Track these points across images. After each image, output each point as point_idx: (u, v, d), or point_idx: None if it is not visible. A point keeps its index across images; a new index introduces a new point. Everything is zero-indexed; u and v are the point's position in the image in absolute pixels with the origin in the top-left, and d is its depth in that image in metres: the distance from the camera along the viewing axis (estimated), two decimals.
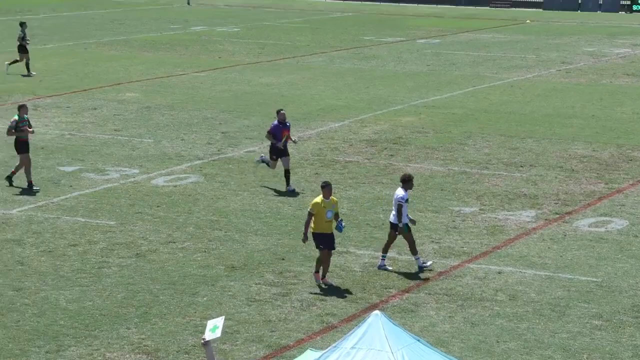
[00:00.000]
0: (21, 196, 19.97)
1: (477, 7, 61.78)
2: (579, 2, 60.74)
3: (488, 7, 61.98)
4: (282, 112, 21.02)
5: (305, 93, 31.67)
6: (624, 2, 59.99)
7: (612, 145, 25.15)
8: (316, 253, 15.81)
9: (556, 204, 20.13)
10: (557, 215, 19.34)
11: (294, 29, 49.20)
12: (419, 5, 62.39)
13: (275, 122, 20.90)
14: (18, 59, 33.16)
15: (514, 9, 61.39)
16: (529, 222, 18.97)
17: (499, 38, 46.55)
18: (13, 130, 20.47)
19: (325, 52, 40.93)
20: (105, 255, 16.88)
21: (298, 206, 19.83)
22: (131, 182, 21.27)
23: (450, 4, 62.64)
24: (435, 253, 17.28)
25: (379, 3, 63.18)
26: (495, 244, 17.74)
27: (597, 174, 22.47)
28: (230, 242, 17.69)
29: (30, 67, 33.11)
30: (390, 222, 16.54)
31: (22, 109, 20.69)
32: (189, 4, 59.60)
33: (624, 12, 59.19)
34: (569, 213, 19.49)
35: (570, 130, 26.81)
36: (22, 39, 33.01)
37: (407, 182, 16.45)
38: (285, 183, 20.78)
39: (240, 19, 52.40)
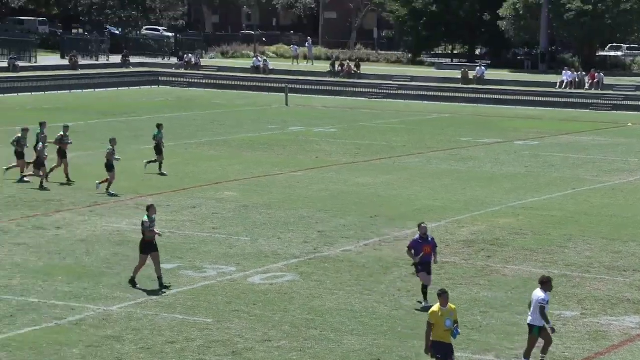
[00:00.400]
0: (121, 293, 20.34)
1: (576, 110, 61.46)
2: None
3: (588, 110, 61.61)
4: (423, 225, 19.82)
5: (402, 193, 31.78)
6: None
7: None
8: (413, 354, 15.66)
9: None
10: None
11: (390, 129, 49.62)
12: (517, 107, 62.39)
13: (417, 236, 20.02)
14: (154, 158, 33.94)
15: (615, 112, 60.87)
16: (633, 328, 18.53)
17: (600, 141, 46.16)
18: (146, 232, 20.60)
19: (422, 152, 41.10)
20: (202, 353, 17.02)
21: (394, 306, 19.77)
22: (228, 279, 21.51)
23: (549, 107, 62.45)
24: (535, 357, 16.95)
25: (476, 105, 63.40)
26: (597, 350, 17.36)
27: None
28: (326, 341, 17.68)
29: (147, 167, 33.90)
30: (528, 324, 16.43)
31: (150, 209, 20.82)
32: (287, 105, 60.74)
33: None
34: None
35: None
36: (159, 140, 33.77)
37: (546, 283, 16.63)
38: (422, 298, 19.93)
39: (337, 120, 53.13)
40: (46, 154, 31.37)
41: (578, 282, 21.63)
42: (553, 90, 66.54)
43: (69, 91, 64.25)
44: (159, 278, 20.76)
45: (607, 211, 29.48)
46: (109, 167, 30.28)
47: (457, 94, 66.07)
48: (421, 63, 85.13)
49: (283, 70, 75.41)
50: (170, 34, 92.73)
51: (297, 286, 21.07)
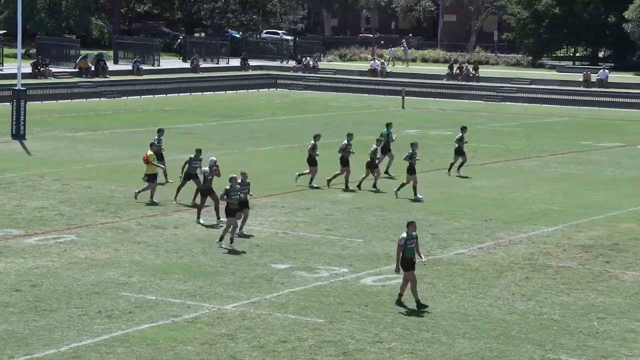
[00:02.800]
0: (235, 292, 20.66)
1: None
2: None
3: None
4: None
5: (518, 197, 31.39)
6: None
7: None
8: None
9: None
10: None
11: (508, 132, 49.05)
12: (638, 110, 60.86)
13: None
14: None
15: None
16: None
17: None
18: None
19: (540, 156, 40.51)
20: (313, 352, 17.17)
21: (507, 310, 19.57)
22: (340, 280, 21.62)
23: None
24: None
25: (597, 108, 62.13)
26: None
27: None
28: (437, 344, 17.62)
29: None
30: None
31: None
32: (403, 108, 60.63)
33: None
34: None
35: None
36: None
37: None
38: None
39: (453, 123, 52.75)
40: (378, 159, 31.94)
41: None
42: None
43: (189, 94, 65.52)
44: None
45: None
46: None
47: (578, 97, 64.89)
48: (541, 66, 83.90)
49: (400, 74, 75.30)
50: (289, 38, 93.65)
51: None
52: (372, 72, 75.64)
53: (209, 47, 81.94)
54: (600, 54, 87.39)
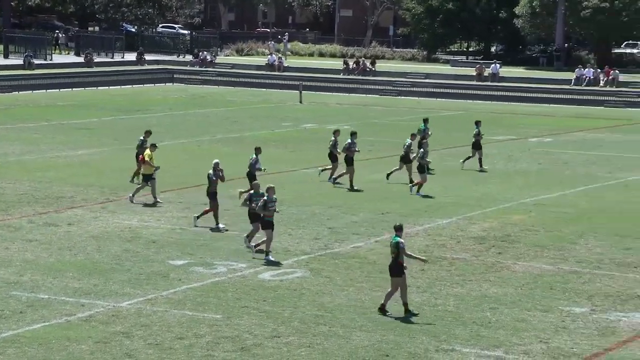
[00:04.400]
0: (131, 289, 20.40)
1: (591, 107, 61.25)
2: None
3: (602, 107, 61.38)
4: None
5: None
6: None
7: None
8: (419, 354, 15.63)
9: None
10: None
11: (404, 126, 49.51)
12: (531, 104, 62.22)
13: None
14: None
15: (630, 109, 60.63)
16: None
17: (613, 138, 45.96)
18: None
19: (435, 149, 40.95)
20: (210, 348, 17.06)
21: None
22: (238, 276, 21.54)
23: (564, 104, 62.28)
24: (543, 353, 16.94)
25: (490, 102, 63.26)
26: (606, 345, 17.31)
27: None
28: (335, 337, 17.70)
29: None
30: None
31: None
32: (301, 102, 60.75)
33: None
34: None
35: None
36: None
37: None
38: None
39: (350, 117, 53.11)
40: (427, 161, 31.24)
41: (588, 279, 21.57)
42: (568, 87, 66.37)
43: (83, 88, 64.43)
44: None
45: (620, 208, 29.37)
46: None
47: (471, 91, 65.98)
48: (436, 60, 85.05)
49: (298, 68, 75.40)
50: (185, 32, 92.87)
51: (307, 282, 21.09)
52: (270, 66, 75.59)
53: (104, 41, 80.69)
54: (493, 49, 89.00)
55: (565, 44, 79.36)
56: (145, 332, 17.81)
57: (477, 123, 36.30)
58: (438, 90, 66.61)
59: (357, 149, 31.91)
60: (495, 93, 65.23)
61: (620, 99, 62.99)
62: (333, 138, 32.58)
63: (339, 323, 18.43)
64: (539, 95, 64.07)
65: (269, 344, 17.32)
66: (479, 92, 65.83)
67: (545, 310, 19.26)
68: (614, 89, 65.71)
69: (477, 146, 35.86)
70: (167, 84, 70.79)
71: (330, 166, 32.47)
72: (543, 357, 16.70)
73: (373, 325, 18.34)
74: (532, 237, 25.44)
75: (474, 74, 70.50)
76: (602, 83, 66.91)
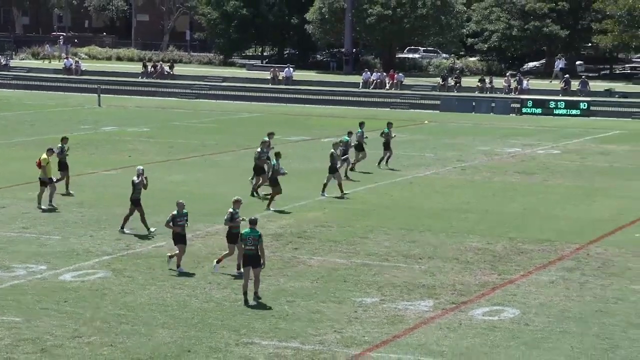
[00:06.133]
0: None
1: (378, 108, 63.02)
2: (473, 104, 62.48)
3: (388, 109, 63.28)
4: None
5: (215, 190, 31.76)
6: (514, 106, 61.90)
7: (505, 238, 25.69)
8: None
9: (452, 294, 20.42)
10: (454, 305, 19.61)
11: (203, 128, 49.47)
12: (323, 106, 63.42)
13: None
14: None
15: (413, 110, 62.78)
16: (427, 311, 19.19)
17: (399, 137, 47.37)
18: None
19: (234, 150, 41.19)
20: (9, 351, 16.50)
21: (205, 299, 19.76)
22: (38, 278, 20.92)
23: (353, 106, 63.78)
24: (337, 342, 17.33)
25: (285, 104, 64.04)
26: (395, 332, 17.88)
27: (491, 265, 22.90)
28: (137, 335, 17.48)
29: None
30: None
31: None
32: (99, 105, 59.52)
33: (514, 115, 61.02)
34: (465, 303, 19.79)
35: (466, 224, 27.34)
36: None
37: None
38: None
39: (149, 120, 52.53)
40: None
41: (378, 271, 22.21)
42: (356, 90, 68.04)
43: None
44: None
45: (406, 203, 30.39)
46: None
47: (266, 94, 66.58)
48: (232, 64, 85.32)
49: (96, 72, 73.84)
50: None
51: (109, 282, 20.72)
52: (67, 70, 73.66)
53: None
54: (286, 53, 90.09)
55: (353, 49, 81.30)
56: None
57: (389, 124, 37.58)
58: (235, 93, 66.87)
59: (268, 158, 31.29)
60: (290, 96, 66.09)
61: (404, 100, 65.11)
62: (360, 130, 33.93)
63: (141, 321, 18.21)
64: (331, 97, 65.40)
65: (70, 344, 16.91)
66: (274, 94, 66.52)
67: (339, 302, 19.70)
68: (398, 91, 67.86)
69: (387, 146, 36.96)
70: None
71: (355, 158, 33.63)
72: (337, 346, 17.08)
73: (175, 323, 18.23)
74: (327, 232, 25.96)
75: (269, 77, 71.16)
76: (387, 86, 68.97)
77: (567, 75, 68.17)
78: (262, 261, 19.48)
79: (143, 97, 65.28)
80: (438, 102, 63.37)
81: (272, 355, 16.61)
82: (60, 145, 30.34)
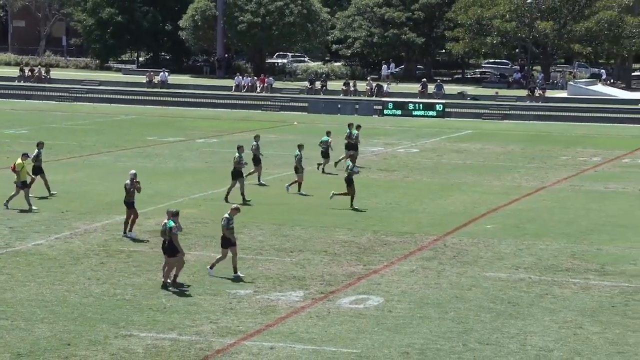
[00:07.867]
0: None
1: (250, 111, 63.00)
2: (339, 106, 63.15)
3: (260, 111, 63.32)
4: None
5: (93, 189, 31.14)
6: (376, 107, 62.88)
7: (369, 231, 26.06)
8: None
9: (321, 284, 20.61)
10: (322, 295, 19.79)
11: (81, 130, 48.46)
12: (198, 108, 63.02)
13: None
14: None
15: (283, 112, 63.00)
16: (298, 301, 19.31)
17: (271, 138, 47.55)
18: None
19: (111, 151, 40.50)
20: None
21: (84, 294, 19.37)
22: None
23: (227, 108, 63.59)
24: (213, 332, 17.25)
25: (160, 107, 63.34)
26: (268, 322, 17.92)
27: (357, 257, 23.20)
28: (17, 330, 16.99)
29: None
30: None
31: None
32: None
33: (376, 116, 61.99)
34: (333, 292, 19.99)
35: (333, 219, 27.61)
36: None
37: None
38: None
39: (27, 122, 51.13)
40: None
41: (252, 264, 22.21)
42: (229, 93, 67.87)
43: None
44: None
45: (277, 200, 30.47)
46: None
47: (143, 97, 65.77)
48: (109, 69, 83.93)
49: None
50: None
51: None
52: None
53: None
54: (161, 58, 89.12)
55: (225, 54, 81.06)
56: None
57: (356, 126, 37.56)
58: (112, 96, 65.82)
59: (245, 163, 30.47)
60: (165, 99, 65.47)
61: (274, 103, 65.29)
62: (255, 142, 32.64)
63: (20, 317, 17.72)
64: (205, 100, 65.08)
65: None
66: (150, 97, 65.80)
67: (215, 294, 19.61)
68: (269, 94, 68.01)
69: (353, 147, 36.70)
70: None
71: (255, 170, 32.56)
72: (213, 336, 17.01)
73: (54, 317, 17.81)
74: (203, 228, 25.79)
75: (145, 81, 70.28)
76: (258, 89, 69.05)
77: (424, 80, 69.67)
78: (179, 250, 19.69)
79: (20, 101, 63.48)
80: (306, 104, 63.78)
81: (151, 347, 16.41)
82: (37, 150, 29.43)
